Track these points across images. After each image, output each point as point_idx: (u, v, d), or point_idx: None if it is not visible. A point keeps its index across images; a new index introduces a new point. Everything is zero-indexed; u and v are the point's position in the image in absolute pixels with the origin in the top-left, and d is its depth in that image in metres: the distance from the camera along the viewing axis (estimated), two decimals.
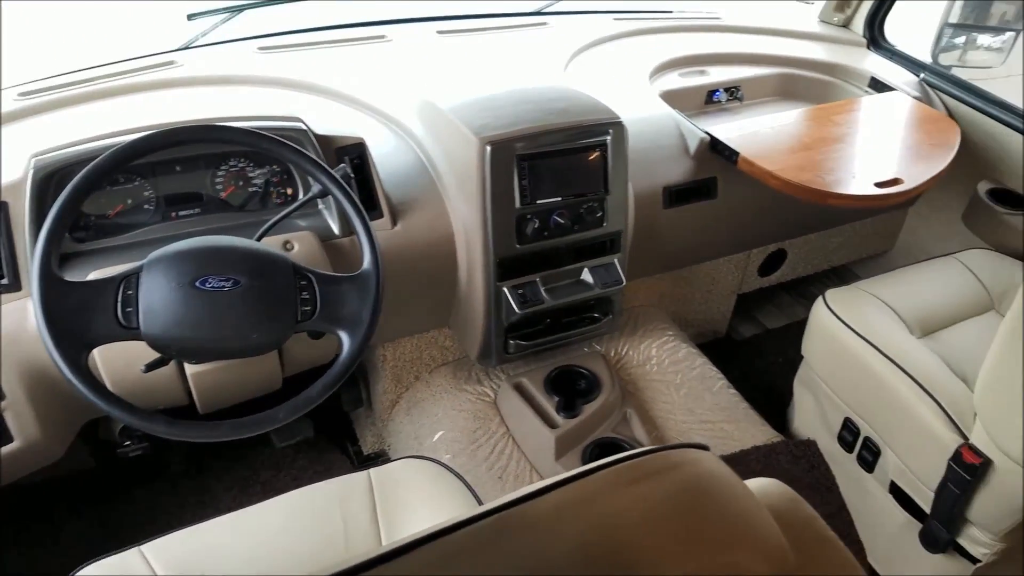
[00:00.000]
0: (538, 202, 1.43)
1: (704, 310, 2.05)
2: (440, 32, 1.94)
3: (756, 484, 0.62)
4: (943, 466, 1.33)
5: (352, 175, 1.27)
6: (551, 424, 1.51)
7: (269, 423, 1.02)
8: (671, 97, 1.88)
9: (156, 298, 0.97)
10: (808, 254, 2.11)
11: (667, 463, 0.56)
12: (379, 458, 1.79)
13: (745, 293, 2.11)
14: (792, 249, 2.06)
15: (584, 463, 1.50)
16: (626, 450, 1.48)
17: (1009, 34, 2.05)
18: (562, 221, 1.46)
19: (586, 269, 1.55)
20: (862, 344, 1.47)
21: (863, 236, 2.16)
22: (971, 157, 1.94)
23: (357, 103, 1.61)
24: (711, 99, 1.95)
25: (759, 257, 2.02)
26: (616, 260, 1.57)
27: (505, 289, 1.47)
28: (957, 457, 1.29)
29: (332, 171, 1.12)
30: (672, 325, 1.87)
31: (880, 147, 1.66)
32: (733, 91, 1.96)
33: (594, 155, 1.44)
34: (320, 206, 1.34)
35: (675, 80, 1.93)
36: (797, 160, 1.58)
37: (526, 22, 2.07)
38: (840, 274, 2.32)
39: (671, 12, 2.16)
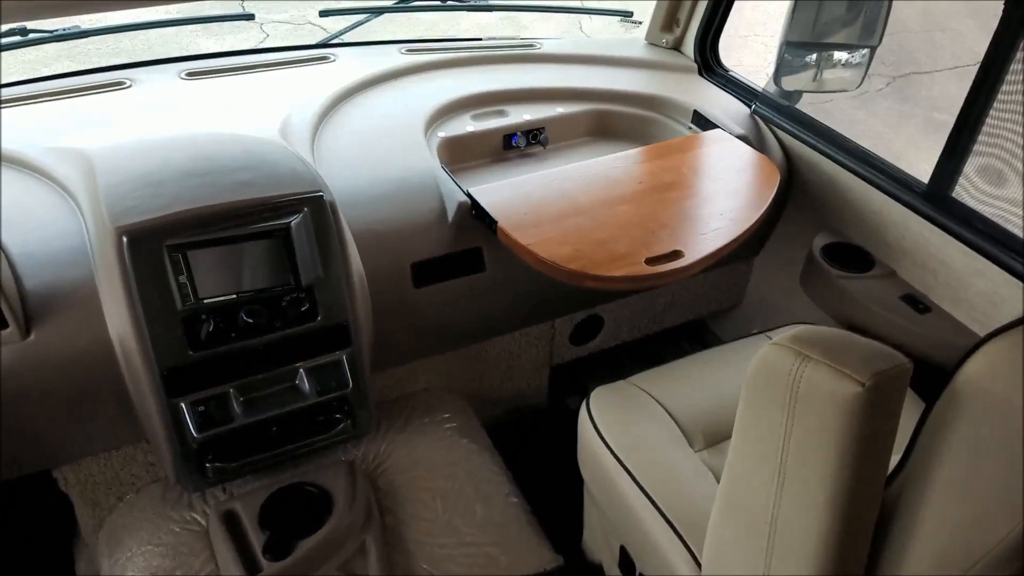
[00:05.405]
0: (206, 301, 1.15)
1: (511, 387, 1.76)
2: (189, 74, 1.66)
3: None
4: None
5: None
6: (252, 569, 1.22)
7: None
8: (456, 145, 1.60)
9: None
10: (630, 318, 1.82)
11: None
12: None
13: (562, 363, 1.82)
14: (608, 314, 1.77)
15: None
16: None
17: (866, 49, 1.76)
18: (252, 320, 1.19)
19: (302, 371, 1.27)
20: (614, 463, 1.18)
21: (698, 294, 1.87)
22: (810, 202, 1.67)
23: (41, 173, 1.33)
24: (510, 144, 1.67)
25: (567, 326, 1.74)
26: (344, 357, 1.29)
27: (183, 405, 1.19)
28: None
29: None
30: (463, 410, 1.58)
31: (670, 207, 1.38)
32: (536, 134, 1.67)
33: (271, 242, 1.16)
34: None
35: (466, 124, 1.65)
36: (563, 229, 1.30)
37: (308, 56, 1.79)
38: (696, 325, 2.03)
39: (480, 40, 1.88)
